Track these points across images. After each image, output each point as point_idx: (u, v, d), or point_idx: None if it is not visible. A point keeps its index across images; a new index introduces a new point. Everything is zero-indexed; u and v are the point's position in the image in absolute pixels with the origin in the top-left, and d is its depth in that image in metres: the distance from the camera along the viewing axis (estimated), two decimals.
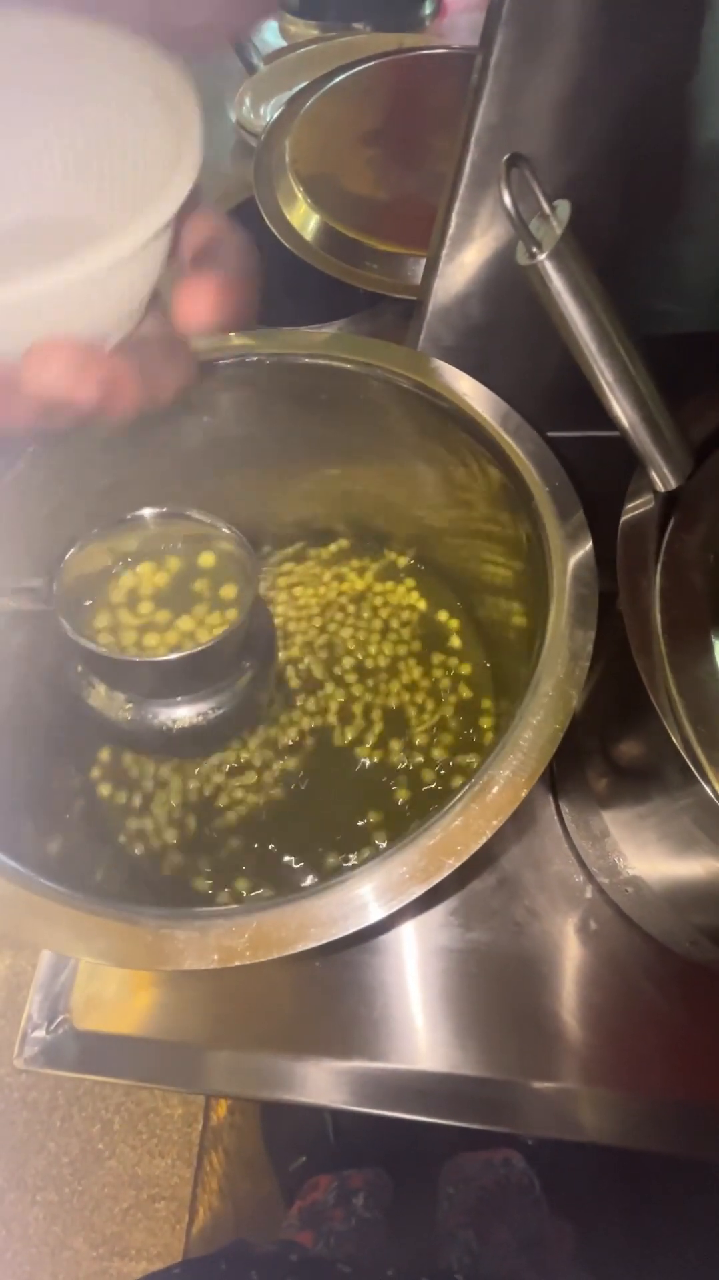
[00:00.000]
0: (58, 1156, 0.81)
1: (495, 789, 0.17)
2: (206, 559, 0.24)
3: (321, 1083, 0.33)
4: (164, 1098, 0.83)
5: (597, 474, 0.25)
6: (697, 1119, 0.31)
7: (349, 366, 0.29)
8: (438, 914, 0.35)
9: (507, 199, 0.15)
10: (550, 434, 0.27)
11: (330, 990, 0.34)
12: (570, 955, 0.34)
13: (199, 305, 0.15)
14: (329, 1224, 0.55)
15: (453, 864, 0.16)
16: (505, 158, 0.15)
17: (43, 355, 0.13)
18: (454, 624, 0.36)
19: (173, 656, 0.21)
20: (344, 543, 0.38)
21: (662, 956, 0.34)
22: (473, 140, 0.21)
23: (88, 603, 0.24)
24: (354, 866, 0.16)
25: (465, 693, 0.34)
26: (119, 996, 0.34)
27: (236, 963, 0.15)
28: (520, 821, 0.37)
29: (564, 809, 0.37)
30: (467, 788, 0.17)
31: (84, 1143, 0.81)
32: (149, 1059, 0.33)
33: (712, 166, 0.22)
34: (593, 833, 0.34)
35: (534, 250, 0.16)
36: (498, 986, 0.34)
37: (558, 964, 0.34)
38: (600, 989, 0.34)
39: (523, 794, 0.17)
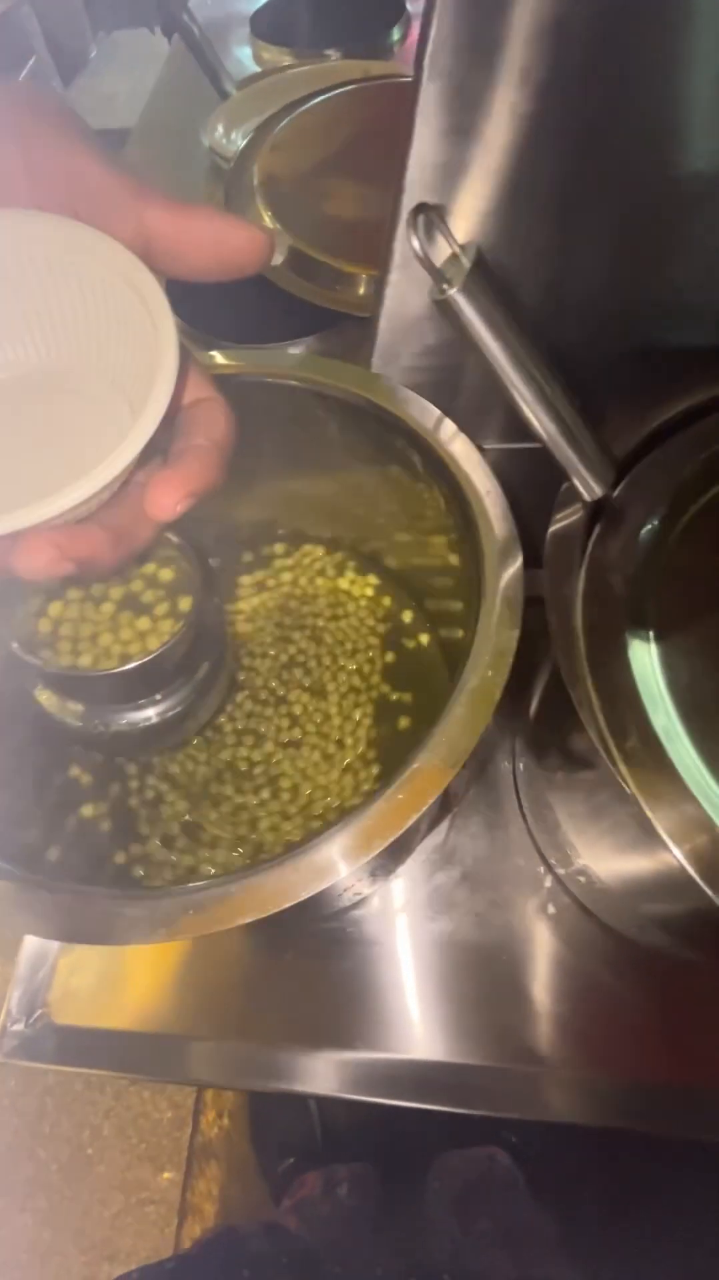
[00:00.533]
0: (47, 1164, 0.81)
1: (418, 779, 0.19)
2: (149, 568, 0.25)
3: (298, 1070, 0.34)
4: (153, 1102, 0.83)
5: (534, 484, 0.26)
6: (658, 1098, 0.33)
7: (302, 385, 0.31)
8: (406, 904, 0.36)
9: (414, 243, 0.17)
10: (508, 446, 0.29)
11: (303, 981, 0.35)
12: (534, 943, 0.36)
13: (170, 499, 0.16)
14: (314, 1210, 0.56)
15: (379, 844, 0.18)
16: (413, 207, 0.17)
17: (30, 549, 0.15)
18: (410, 619, 0.38)
19: (116, 669, 0.21)
20: (308, 547, 0.40)
21: (617, 943, 0.35)
22: (405, 181, 0.23)
23: (28, 607, 0.24)
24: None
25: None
26: (98, 991, 0.35)
27: (177, 939, 0.17)
28: (486, 815, 0.39)
29: (524, 802, 0.39)
30: (396, 777, 0.19)
31: (73, 1149, 0.82)
32: (129, 1050, 0.34)
33: (704, 195, 0.23)
34: (547, 824, 0.35)
35: (444, 286, 0.18)
36: (463, 974, 0.35)
37: (522, 952, 0.36)
38: (564, 975, 0.35)
39: (445, 783, 0.19)
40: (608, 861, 0.31)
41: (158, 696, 0.24)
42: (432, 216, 0.17)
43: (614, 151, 0.22)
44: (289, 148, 0.49)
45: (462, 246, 0.18)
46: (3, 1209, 0.80)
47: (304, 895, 0.17)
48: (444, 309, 0.18)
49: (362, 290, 0.45)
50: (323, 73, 0.59)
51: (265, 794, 0.34)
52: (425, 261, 0.17)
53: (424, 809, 0.18)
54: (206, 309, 0.45)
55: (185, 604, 0.23)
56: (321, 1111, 0.71)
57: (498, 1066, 0.33)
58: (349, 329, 0.45)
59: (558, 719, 0.32)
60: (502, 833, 0.38)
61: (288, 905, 0.17)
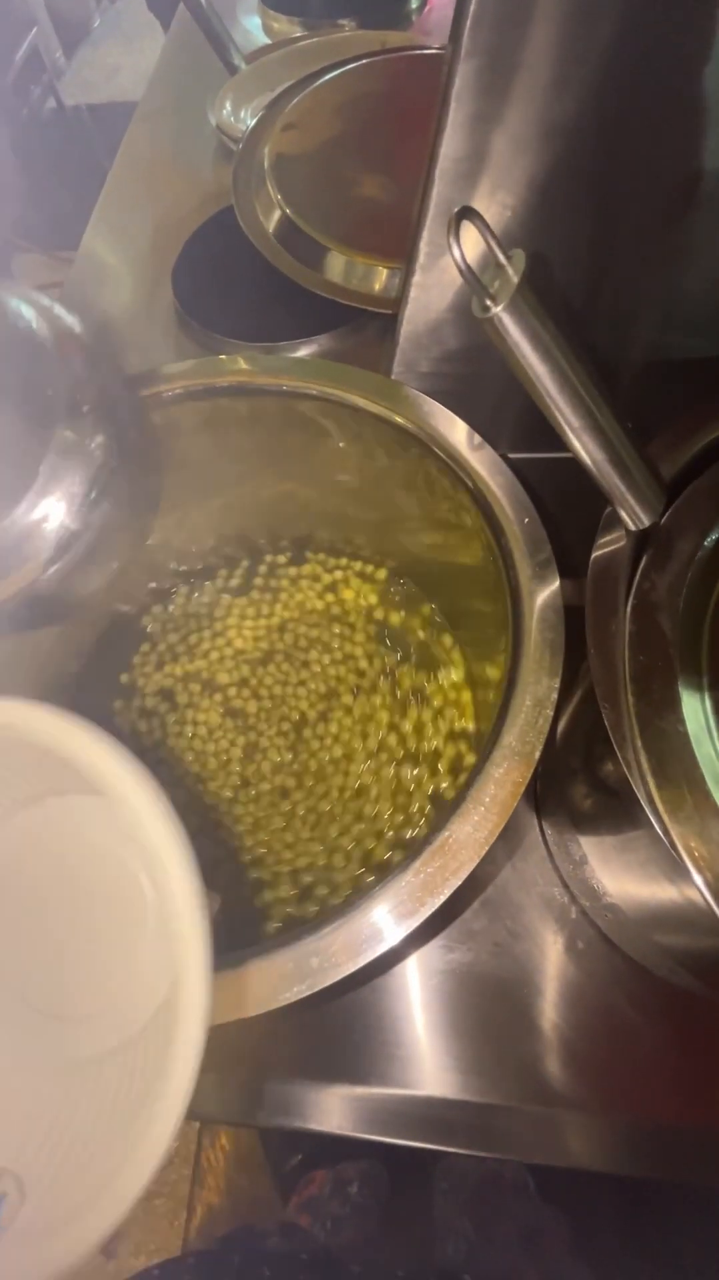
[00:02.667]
0: None
1: (455, 844, 0.17)
2: None
3: (312, 1108, 0.33)
4: None
5: (572, 496, 0.24)
6: (680, 1143, 0.31)
7: (318, 393, 0.29)
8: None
9: (456, 253, 0.15)
10: (526, 456, 0.27)
11: (315, 1011, 0.34)
12: (556, 977, 0.34)
13: None
14: (326, 1209, 0.56)
15: (402, 931, 0.16)
16: (455, 211, 0.14)
17: None
18: (451, 657, 0.35)
19: None
20: (323, 557, 0.38)
21: (643, 980, 0.34)
22: (436, 172, 0.21)
23: None
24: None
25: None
26: None
27: None
28: (508, 841, 0.37)
29: (548, 830, 0.37)
30: (426, 846, 0.17)
31: None
32: None
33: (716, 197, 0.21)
34: (573, 857, 0.34)
35: (488, 303, 0.16)
36: (483, 1007, 0.34)
37: (543, 985, 0.34)
38: (588, 1011, 0.34)
39: (484, 851, 0.17)
40: (637, 900, 0.30)
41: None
42: (476, 222, 0.15)
43: (663, 140, 0.20)
44: (302, 127, 0.46)
45: (508, 256, 0.15)
46: None
47: (298, 995, 0.15)
48: (487, 326, 0.16)
49: (378, 285, 0.42)
50: (337, 44, 0.55)
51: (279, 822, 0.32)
52: (468, 274, 0.15)
53: (455, 886, 0.17)
54: (215, 307, 0.43)
55: None
56: None
57: (516, 1107, 0.32)
58: (365, 326, 0.42)
59: (588, 743, 0.30)
60: (522, 861, 0.37)
61: (285, 1001, 0.15)
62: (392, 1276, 0.40)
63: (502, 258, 0.16)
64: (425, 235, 0.23)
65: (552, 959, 0.34)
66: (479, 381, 0.28)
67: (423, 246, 0.24)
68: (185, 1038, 0.14)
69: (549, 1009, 0.33)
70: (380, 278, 0.41)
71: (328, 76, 0.48)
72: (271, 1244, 0.47)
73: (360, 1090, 0.33)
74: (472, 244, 0.15)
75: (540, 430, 0.26)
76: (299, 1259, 0.42)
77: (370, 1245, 0.55)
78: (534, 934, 0.35)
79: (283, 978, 0.16)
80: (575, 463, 0.21)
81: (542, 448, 0.28)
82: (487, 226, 0.15)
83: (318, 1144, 0.69)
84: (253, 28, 0.62)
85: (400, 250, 0.42)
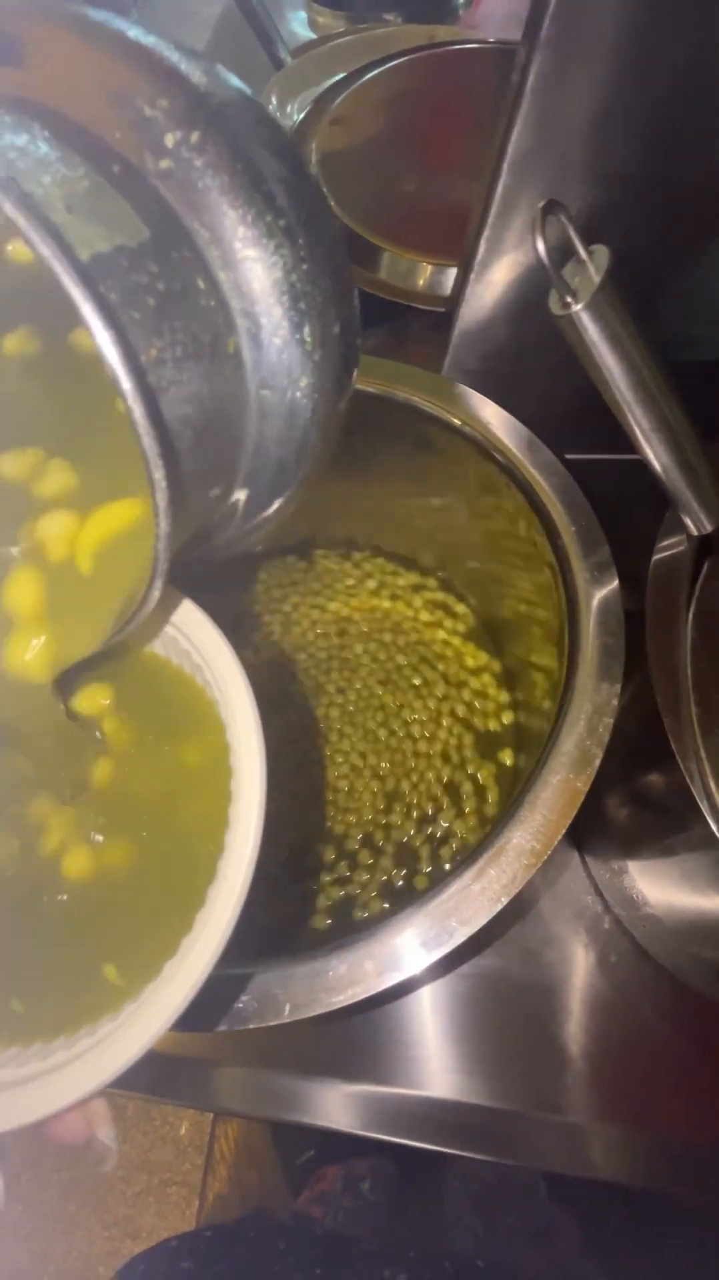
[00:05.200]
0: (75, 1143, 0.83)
1: (509, 855, 0.16)
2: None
3: (328, 1105, 0.33)
4: None
5: (622, 497, 0.24)
6: (702, 1161, 0.31)
7: (372, 390, 0.28)
8: None
9: (541, 248, 0.14)
10: (573, 456, 0.26)
11: (337, 1010, 0.34)
12: (586, 986, 0.34)
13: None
14: (338, 1203, 0.56)
15: (465, 931, 0.16)
16: (541, 204, 0.14)
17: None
18: (484, 662, 0.35)
19: None
20: (366, 557, 0.38)
21: (679, 993, 0.33)
22: (505, 166, 0.21)
23: None
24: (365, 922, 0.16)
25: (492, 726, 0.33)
26: None
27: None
28: None
29: (584, 837, 0.36)
30: (481, 853, 0.17)
31: None
32: (157, 1072, 0.33)
33: None
34: (611, 866, 0.33)
35: (569, 300, 0.15)
36: (509, 1013, 0.33)
37: (572, 994, 0.34)
38: (615, 1022, 0.33)
39: (542, 860, 0.17)
40: (681, 911, 0.29)
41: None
42: (561, 216, 0.15)
43: None
44: (349, 122, 0.46)
45: (589, 252, 0.15)
46: (30, 1180, 0.82)
47: (351, 998, 0.15)
48: (564, 324, 0.16)
49: (421, 281, 0.42)
50: (384, 38, 0.55)
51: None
52: (552, 270, 0.14)
53: (512, 895, 0.16)
54: None
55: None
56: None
57: (534, 1115, 0.32)
58: (409, 323, 0.42)
59: (630, 749, 0.29)
60: (553, 867, 0.36)
61: (344, 1002, 0.15)
62: (404, 1256, 0.40)
63: (583, 253, 0.15)
64: (488, 231, 0.23)
65: (581, 968, 0.34)
66: (529, 380, 0.28)
67: (484, 242, 0.23)
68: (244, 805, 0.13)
69: (576, 1018, 0.33)
70: (425, 274, 0.41)
71: (375, 71, 0.48)
72: (286, 1222, 0.47)
73: (378, 1090, 0.32)
74: (547, 237, 0.15)
75: (591, 430, 0.25)
76: (313, 1234, 0.43)
77: (380, 1236, 0.55)
78: (564, 942, 0.34)
79: (337, 979, 0.16)
80: (625, 464, 0.21)
81: (592, 448, 0.28)
82: (571, 220, 0.15)
83: (329, 1139, 0.69)
84: (298, 22, 0.61)
85: (448, 247, 0.41)
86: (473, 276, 0.26)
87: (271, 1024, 0.15)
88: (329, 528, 0.38)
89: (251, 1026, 0.15)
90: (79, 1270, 0.78)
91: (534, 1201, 0.51)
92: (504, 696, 0.33)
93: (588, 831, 0.36)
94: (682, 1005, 0.33)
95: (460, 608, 0.35)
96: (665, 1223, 0.49)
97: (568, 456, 0.27)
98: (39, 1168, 0.82)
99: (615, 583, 0.23)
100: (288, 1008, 0.16)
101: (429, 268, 0.40)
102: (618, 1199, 0.51)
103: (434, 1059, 0.32)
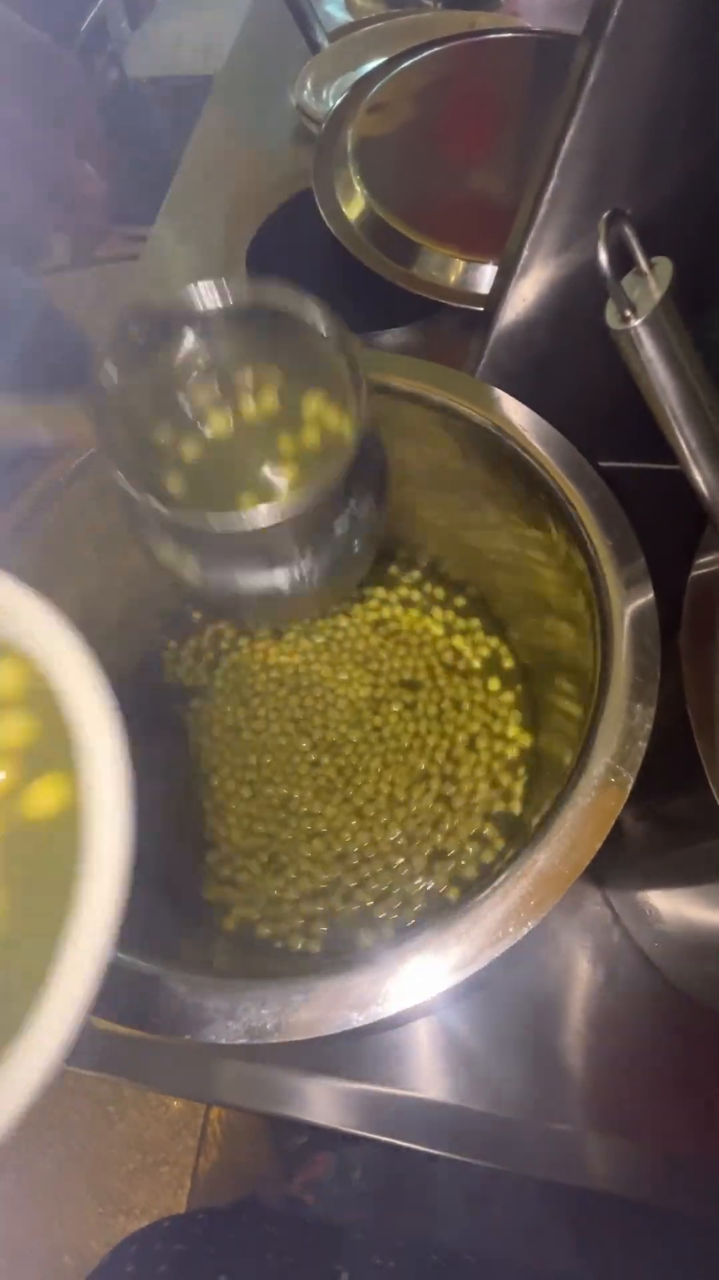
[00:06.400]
0: (68, 1114, 0.84)
1: (530, 883, 0.16)
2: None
3: (321, 1101, 0.33)
4: None
5: (657, 508, 0.23)
6: (706, 1174, 0.31)
7: (406, 389, 0.28)
8: None
9: (604, 258, 0.14)
10: (607, 464, 0.26)
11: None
12: (590, 995, 0.34)
13: None
14: (329, 1191, 0.57)
15: (490, 954, 0.16)
16: (605, 215, 0.14)
17: None
18: (503, 667, 0.34)
19: (258, 523, 0.16)
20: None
21: (686, 1008, 0.33)
22: (557, 167, 0.20)
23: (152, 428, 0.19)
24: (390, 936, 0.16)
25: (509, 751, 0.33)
26: None
27: (265, 1041, 0.15)
28: None
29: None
30: (503, 880, 0.17)
31: (94, 1103, 0.85)
32: (152, 1060, 0.33)
33: None
34: (621, 876, 0.33)
35: (628, 314, 0.15)
36: (510, 1019, 0.33)
37: (575, 1003, 0.34)
38: (619, 1034, 0.33)
39: (568, 886, 0.16)
40: (694, 928, 0.29)
41: (298, 555, 0.19)
42: (623, 226, 0.14)
43: None
44: (387, 110, 0.45)
45: (651, 264, 0.15)
46: (24, 1152, 0.84)
47: (387, 1012, 0.15)
48: (621, 339, 0.15)
49: (454, 278, 0.41)
50: (423, 24, 0.54)
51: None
52: (612, 282, 0.14)
53: (534, 922, 0.16)
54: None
55: (335, 425, 0.18)
56: None
57: (537, 1123, 0.32)
58: (441, 321, 0.41)
59: (648, 761, 0.29)
60: None
61: (353, 1025, 0.15)
62: (394, 1246, 0.41)
63: (644, 265, 0.15)
64: (534, 233, 0.22)
65: (586, 977, 0.34)
66: (567, 385, 0.27)
67: (529, 244, 0.23)
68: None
69: (579, 1028, 0.33)
70: (458, 270, 0.40)
71: (414, 58, 0.47)
72: (278, 1208, 0.47)
73: (372, 1089, 0.32)
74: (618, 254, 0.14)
75: (628, 440, 0.25)
76: (303, 1221, 0.43)
77: (370, 1225, 0.55)
78: (570, 951, 0.34)
79: (360, 997, 0.16)
80: (658, 474, 0.21)
81: (625, 456, 0.27)
82: (634, 232, 0.14)
83: (323, 1126, 0.70)
84: (336, 5, 0.60)
85: (482, 243, 0.41)
86: (515, 277, 0.25)
87: (287, 1040, 0.15)
88: None
89: (274, 1041, 0.15)
90: (73, 1243, 0.80)
91: (525, 1198, 0.51)
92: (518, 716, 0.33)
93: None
94: (690, 1021, 0.33)
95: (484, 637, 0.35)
96: (660, 1225, 0.49)
97: (601, 464, 0.26)
98: (35, 1142, 0.83)
99: (650, 595, 0.22)
100: (302, 1025, 0.15)
101: (462, 264, 0.40)
102: (611, 1208, 0.51)
103: (430, 1061, 0.33)
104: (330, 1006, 0.16)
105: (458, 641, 0.35)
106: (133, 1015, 0.16)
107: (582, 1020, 0.33)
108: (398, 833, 0.31)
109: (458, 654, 0.35)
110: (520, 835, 0.25)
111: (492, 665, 0.34)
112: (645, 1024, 0.33)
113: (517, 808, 0.31)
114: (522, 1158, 0.32)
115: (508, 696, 0.33)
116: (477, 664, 0.34)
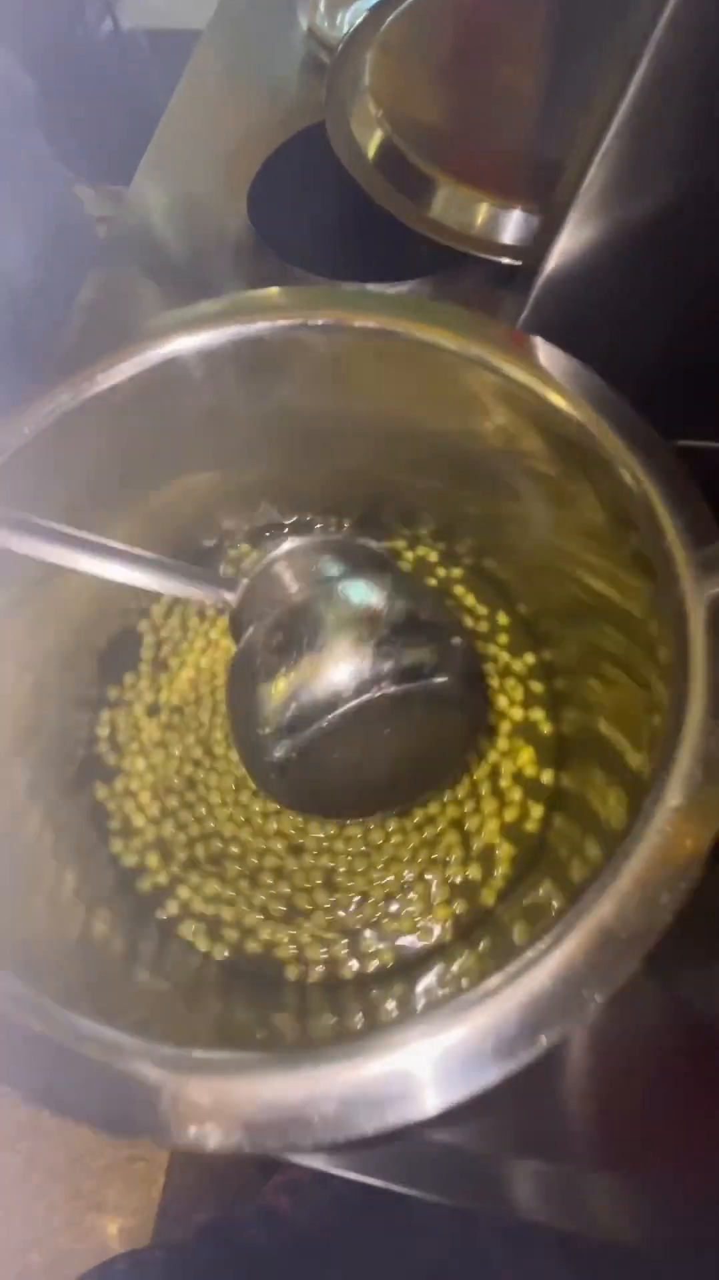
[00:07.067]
0: (38, 1112, 0.82)
1: (599, 934, 0.13)
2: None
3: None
4: None
5: None
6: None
7: (427, 338, 0.24)
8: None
9: None
10: (681, 443, 0.22)
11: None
12: (603, 1019, 0.31)
13: None
14: (308, 1195, 0.54)
15: (545, 1042, 0.12)
16: None
17: None
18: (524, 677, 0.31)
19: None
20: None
21: (703, 1033, 0.30)
22: (622, 108, 0.16)
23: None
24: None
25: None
26: None
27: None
28: None
29: None
30: (564, 930, 0.13)
31: None
32: None
33: None
34: None
35: None
36: None
37: (586, 1030, 0.31)
38: (626, 1060, 0.30)
39: (649, 946, 0.13)
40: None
41: None
42: None
43: None
44: (409, 38, 0.40)
45: None
46: None
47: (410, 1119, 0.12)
48: None
49: (479, 221, 0.37)
50: None
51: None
52: None
53: (614, 990, 0.13)
54: (295, 236, 0.38)
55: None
56: None
57: (522, 1161, 0.29)
58: (462, 275, 0.37)
59: None
60: None
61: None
62: (374, 1259, 0.38)
63: None
64: (588, 183, 0.19)
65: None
66: (628, 347, 0.24)
67: (584, 190, 0.19)
68: None
69: (575, 1052, 0.30)
70: (482, 213, 0.36)
71: None
72: (249, 1235, 0.45)
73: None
74: None
75: (693, 413, 0.21)
76: (278, 1252, 0.40)
77: (350, 1231, 0.53)
78: None
79: (410, 1077, 0.12)
80: None
81: (691, 434, 0.24)
82: None
83: None
84: None
85: (509, 185, 0.36)
86: (567, 230, 0.21)
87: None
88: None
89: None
90: (41, 1240, 0.77)
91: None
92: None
93: None
94: (705, 1045, 0.30)
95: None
96: (653, 1256, 0.47)
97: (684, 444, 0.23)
98: (3, 1136, 0.80)
99: None
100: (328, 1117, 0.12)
101: (487, 206, 0.35)
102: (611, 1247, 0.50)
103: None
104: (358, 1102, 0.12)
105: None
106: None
107: (586, 1047, 0.30)
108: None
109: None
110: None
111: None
112: (656, 1049, 0.30)
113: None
114: (506, 1200, 0.29)
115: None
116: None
